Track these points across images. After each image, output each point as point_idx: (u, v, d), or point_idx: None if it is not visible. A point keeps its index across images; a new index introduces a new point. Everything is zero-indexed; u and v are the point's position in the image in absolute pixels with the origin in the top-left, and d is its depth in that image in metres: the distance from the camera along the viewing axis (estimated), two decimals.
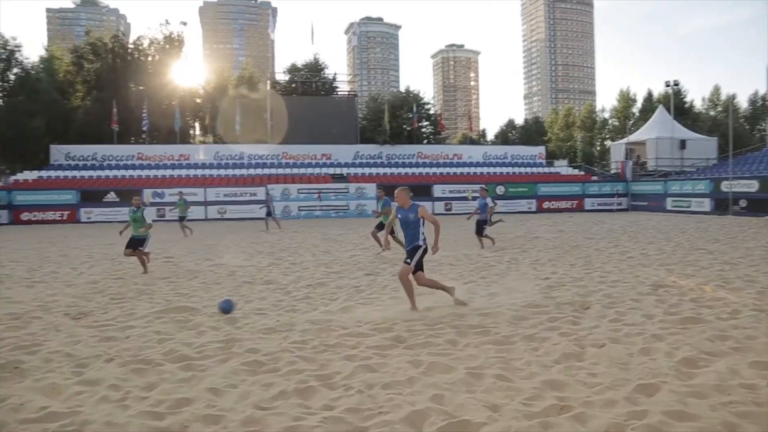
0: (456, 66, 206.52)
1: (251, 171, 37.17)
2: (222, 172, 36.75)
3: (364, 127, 46.35)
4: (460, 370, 4.71)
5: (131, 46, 46.71)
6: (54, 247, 16.56)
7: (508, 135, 67.45)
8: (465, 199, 34.31)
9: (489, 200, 14.70)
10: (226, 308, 6.98)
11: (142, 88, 43.92)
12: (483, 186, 16.91)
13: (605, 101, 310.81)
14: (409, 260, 6.93)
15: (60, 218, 30.39)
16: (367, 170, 38.79)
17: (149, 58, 46.45)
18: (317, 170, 38.17)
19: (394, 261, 12.16)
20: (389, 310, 7.09)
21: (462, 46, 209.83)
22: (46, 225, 29.18)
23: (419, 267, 6.98)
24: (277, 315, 6.92)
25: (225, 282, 9.66)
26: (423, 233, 7.03)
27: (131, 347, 5.50)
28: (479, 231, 14.52)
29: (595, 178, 40.92)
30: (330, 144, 40.29)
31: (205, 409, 3.89)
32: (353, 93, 47.55)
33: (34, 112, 39.46)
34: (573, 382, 4.38)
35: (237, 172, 36.84)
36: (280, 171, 37.49)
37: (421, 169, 39.75)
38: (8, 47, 41.41)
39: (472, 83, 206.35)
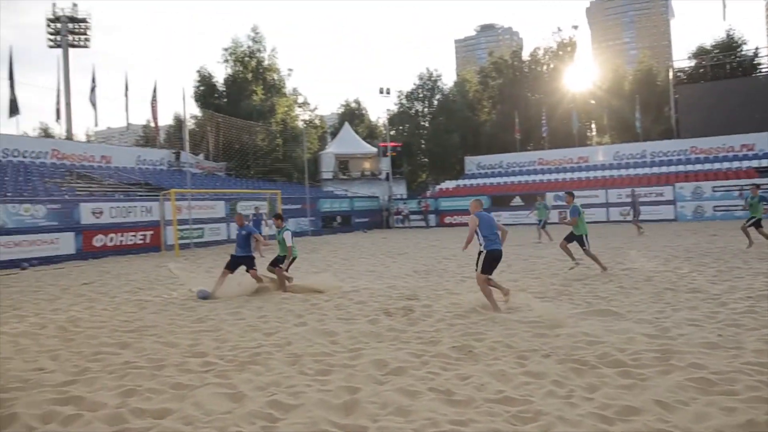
0: None
1: (655, 169, 34.62)
2: (623, 172, 35.33)
3: None
4: None
5: (528, 58, 49.31)
6: (474, 248, 18.55)
7: None
8: None
9: None
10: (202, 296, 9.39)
11: (539, 96, 45.93)
12: None
13: None
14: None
15: None
16: None
17: (544, 67, 48.21)
18: (736, 164, 33.02)
19: None
20: None
21: None
22: (463, 227, 33.22)
23: (485, 270, 7.65)
24: (717, 329, 6.15)
25: (643, 287, 9.14)
26: (482, 238, 7.75)
27: (563, 346, 5.66)
28: None
29: None
30: (752, 132, 34.35)
31: (657, 423, 3.67)
32: None
33: (451, 130, 45.70)
34: None
35: (639, 171, 34.85)
36: (689, 167, 33.82)
37: None
38: (432, 78, 49.07)
39: None
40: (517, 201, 33.28)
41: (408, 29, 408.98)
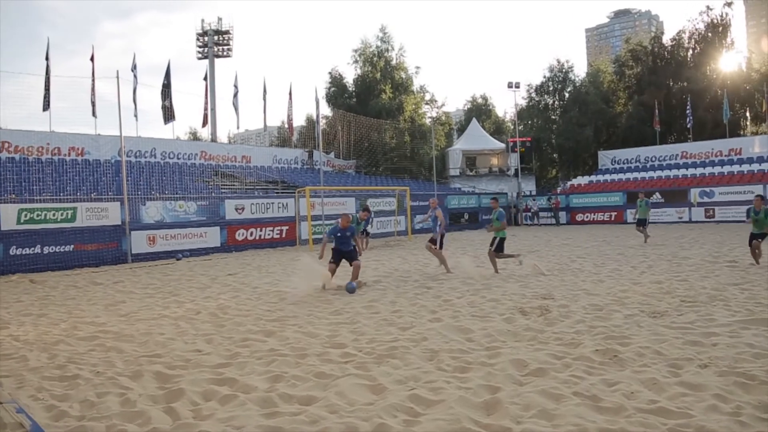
0: None
1: None
2: None
3: None
4: None
5: (670, 43, 45.58)
6: (609, 247, 17.56)
7: None
8: None
9: None
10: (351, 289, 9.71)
11: (683, 84, 42.34)
12: None
13: None
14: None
15: (608, 219, 32.35)
16: None
17: (689, 52, 44.29)
18: None
19: None
20: None
21: None
22: (596, 225, 31.60)
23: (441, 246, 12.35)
24: None
25: None
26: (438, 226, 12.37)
27: (723, 356, 5.15)
28: None
29: None
30: None
31: None
32: None
33: (584, 123, 43.57)
34: None
35: None
36: None
37: None
38: (563, 70, 47.05)
39: None
40: (656, 197, 30.94)
41: (535, 20, 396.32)
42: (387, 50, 44.98)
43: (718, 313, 7.08)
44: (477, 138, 42.32)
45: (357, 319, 7.42)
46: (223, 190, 25.00)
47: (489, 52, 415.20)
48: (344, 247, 10.56)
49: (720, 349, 5.40)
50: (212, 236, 20.78)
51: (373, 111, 40.74)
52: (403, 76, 45.63)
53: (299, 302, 9.07)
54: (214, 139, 40.74)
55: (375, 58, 44.53)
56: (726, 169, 33.28)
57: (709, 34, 43.53)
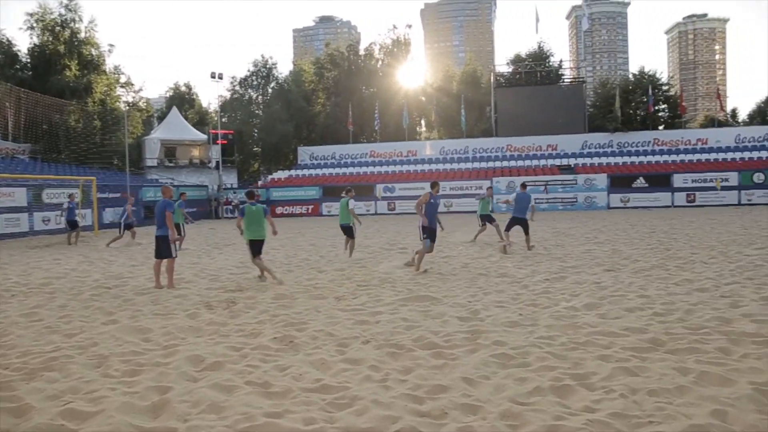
0: (696, 39, 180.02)
1: (476, 165, 37.51)
2: (448, 166, 37.75)
3: (593, 115, 43.52)
4: (742, 383, 4.07)
5: (363, 52, 50.41)
6: (303, 238, 18.59)
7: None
8: (713, 189, 30.52)
9: None
10: None
11: (373, 90, 47.23)
12: None
13: None
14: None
15: (306, 212, 34.23)
16: (596, 160, 36.47)
17: (379, 63, 49.68)
18: (543, 162, 37.03)
19: (634, 257, 11.20)
20: (638, 311, 6.50)
21: (704, 15, 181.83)
22: (295, 217, 33.12)
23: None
24: (518, 309, 6.79)
25: (460, 273, 9.82)
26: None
27: (383, 332, 5.85)
28: None
29: None
30: (556, 135, 38.74)
31: (462, 398, 3.93)
32: (580, 80, 45.06)
33: (285, 119, 45.16)
34: None
35: (462, 166, 37.50)
36: (505, 164, 37.22)
37: (657, 157, 36.12)
38: (267, 66, 47.99)
39: (718, 57, 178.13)
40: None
41: (246, 14, 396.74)
42: (74, 21, 39.66)
43: (385, 294, 8.03)
44: (178, 127, 40.36)
45: (10, 331, 6.29)
46: None
47: (198, 41, 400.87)
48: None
49: (381, 326, 6.12)
50: None
51: (54, 89, 35.58)
52: (94, 53, 40.88)
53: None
54: None
55: (58, 28, 38.89)
56: (405, 168, 38.28)
57: (395, 50, 49.50)
